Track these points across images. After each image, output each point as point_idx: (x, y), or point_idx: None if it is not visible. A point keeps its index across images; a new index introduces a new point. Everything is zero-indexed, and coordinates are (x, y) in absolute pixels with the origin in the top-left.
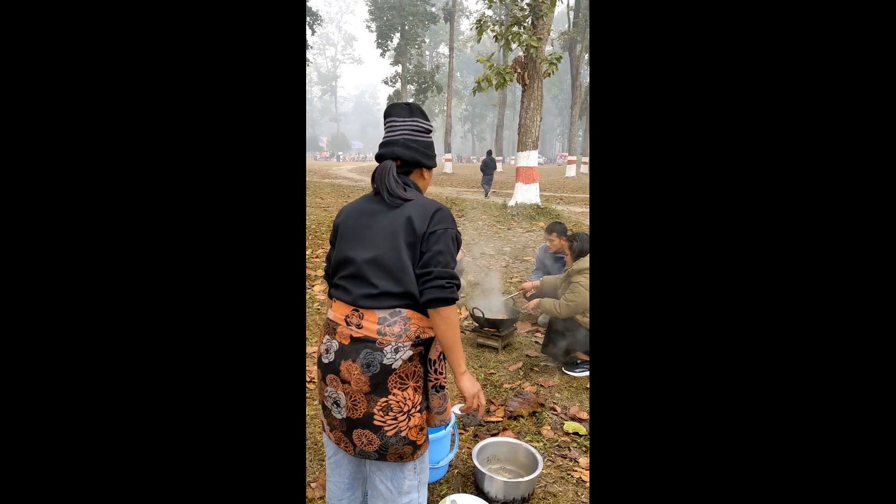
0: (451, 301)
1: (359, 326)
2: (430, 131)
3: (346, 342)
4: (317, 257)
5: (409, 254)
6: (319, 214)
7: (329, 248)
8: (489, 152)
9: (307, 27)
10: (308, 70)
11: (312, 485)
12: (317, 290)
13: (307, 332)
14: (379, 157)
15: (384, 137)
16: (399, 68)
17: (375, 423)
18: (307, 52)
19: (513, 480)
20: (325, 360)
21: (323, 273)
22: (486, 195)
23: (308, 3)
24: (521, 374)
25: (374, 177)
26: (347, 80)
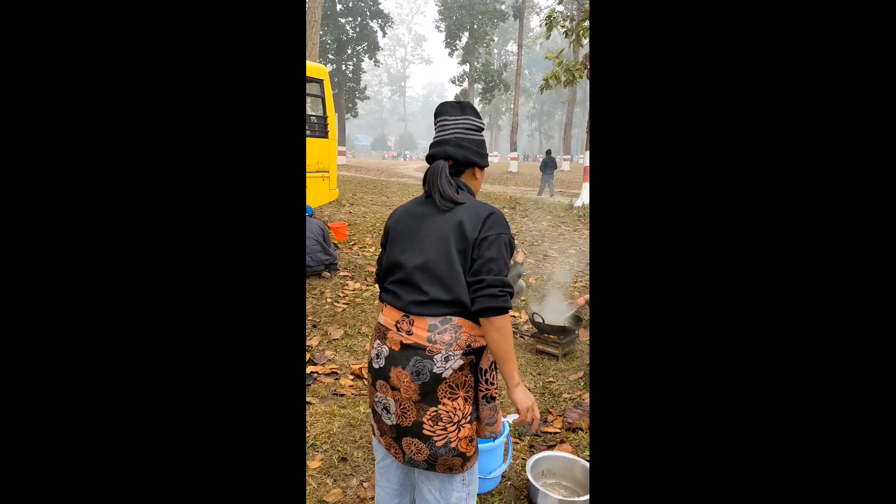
0: (504, 310)
1: (409, 333)
2: (482, 129)
3: (397, 348)
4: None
5: (460, 260)
6: (385, 213)
7: (380, 250)
8: (548, 152)
9: (378, 29)
10: (378, 72)
11: (365, 484)
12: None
13: (367, 329)
14: (430, 158)
15: (435, 137)
16: (467, 67)
17: (425, 432)
18: (378, 55)
19: (568, 499)
20: (376, 366)
21: None
22: (551, 195)
23: (380, 6)
24: (582, 384)
25: (426, 178)
26: (416, 80)
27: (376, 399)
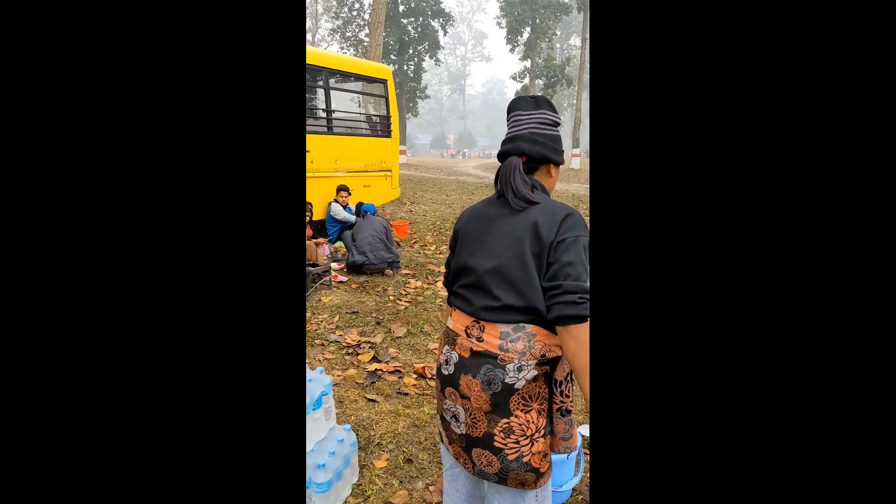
0: (583, 318)
1: (479, 339)
2: (559, 124)
3: (467, 355)
4: (440, 254)
5: (535, 264)
6: (444, 211)
7: (449, 253)
8: None
9: (440, 28)
10: (439, 70)
11: (431, 488)
12: (439, 285)
13: (429, 328)
14: (502, 155)
15: (508, 133)
16: (528, 63)
17: (496, 444)
18: (438, 53)
19: None
20: (445, 372)
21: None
22: None
23: (441, 5)
24: None
25: (498, 177)
26: (475, 78)
27: (445, 406)
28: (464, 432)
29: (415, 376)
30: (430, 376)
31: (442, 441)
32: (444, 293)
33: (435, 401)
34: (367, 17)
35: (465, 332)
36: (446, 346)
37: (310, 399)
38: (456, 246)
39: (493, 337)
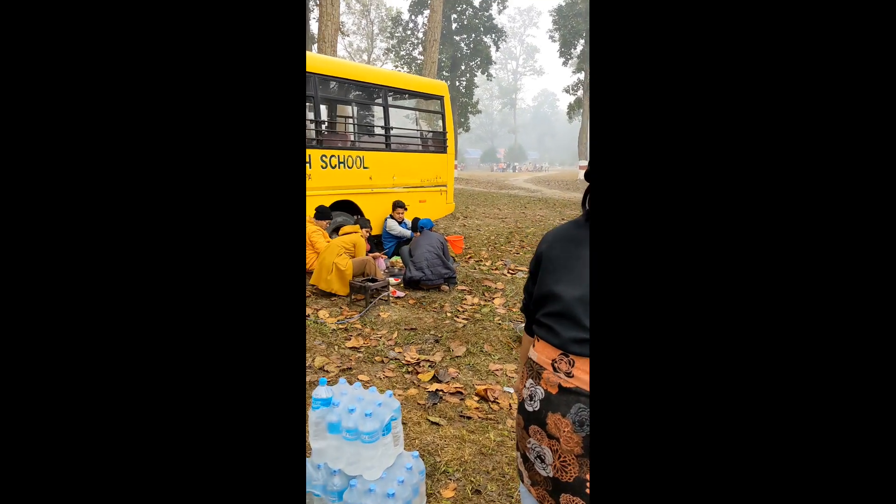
0: None
1: (569, 375)
2: None
3: (554, 391)
4: (496, 269)
5: None
6: (498, 225)
7: (527, 277)
8: None
9: (492, 44)
10: (490, 85)
11: None
12: (497, 302)
13: (489, 347)
14: (590, 174)
15: None
16: (582, 75)
17: (589, 491)
18: (490, 69)
19: None
20: (529, 408)
21: (503, 286)
22: None
23: (493, 21)
24: None
25: (586, 197)
26: (526, 92)
27: (529, 445)
28: (551, 475)
29: (476, 398)
30: (492, 399)
31: (522, 481)
32: (502, 311)
33: (499, 425)
34: (420, 35)
35: (552, 365)
36: (529, 380)
37: (379, 424)
38: (538, 271)
39: (585, 373)
